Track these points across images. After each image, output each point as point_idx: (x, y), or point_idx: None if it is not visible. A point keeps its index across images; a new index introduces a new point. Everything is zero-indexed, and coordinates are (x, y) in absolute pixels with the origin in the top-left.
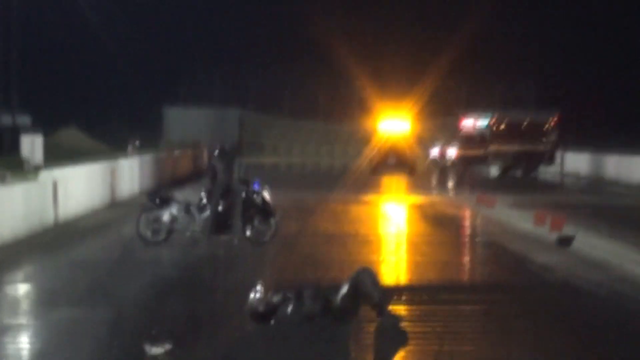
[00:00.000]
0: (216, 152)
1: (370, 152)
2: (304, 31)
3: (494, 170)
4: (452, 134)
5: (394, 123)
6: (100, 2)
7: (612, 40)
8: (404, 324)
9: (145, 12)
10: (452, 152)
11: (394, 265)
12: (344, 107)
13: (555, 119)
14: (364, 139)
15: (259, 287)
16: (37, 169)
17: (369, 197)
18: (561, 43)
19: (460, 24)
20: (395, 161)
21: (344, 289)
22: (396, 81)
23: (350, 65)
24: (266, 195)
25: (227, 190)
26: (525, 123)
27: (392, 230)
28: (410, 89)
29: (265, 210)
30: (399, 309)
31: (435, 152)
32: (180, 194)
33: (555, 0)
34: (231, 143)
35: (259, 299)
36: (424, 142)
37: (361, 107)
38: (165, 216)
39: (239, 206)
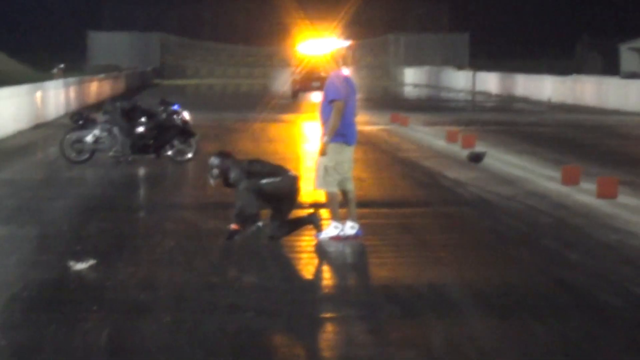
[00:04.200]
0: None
1: (291, 75)
2: None
3: None
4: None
5: (315, 45)
6: None
7: None
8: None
9: None
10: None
11: (310, 181)
12: (264, 30)
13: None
14: (284, 62)
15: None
16: None
17: (287, 117)
18: None
19: None
20: (320, 85)
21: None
22: (317, 3)
23: None
24: (186, 115)
25: (144, 111)
26: None
27: (308, 149)
28: (331, 11)
29: (185, 130)
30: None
31: None
32: (103, 115)
33: None
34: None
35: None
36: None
37: (281, 30)
38: (89, 137)
39: (159, 127)
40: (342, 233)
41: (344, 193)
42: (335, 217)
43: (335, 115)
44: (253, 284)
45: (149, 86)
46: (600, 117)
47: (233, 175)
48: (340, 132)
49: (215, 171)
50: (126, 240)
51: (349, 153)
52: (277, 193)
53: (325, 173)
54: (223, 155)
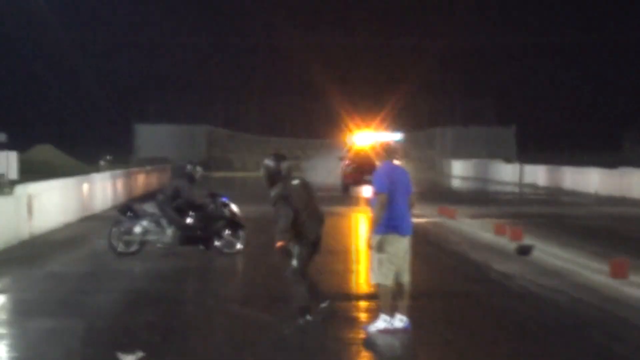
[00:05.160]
0: (179, 172)
1: (342, 168)
2: (270, 50)
3: None
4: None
5: (365, 137)
6: (74, 25)
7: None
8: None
9: (118, 33)
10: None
11: (358, 274)
12: (312, 123)
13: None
14: (334, 154)
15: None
16: (12, 184)
17: (337, 210)
18: (522, 66)
19: (426, 45)
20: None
21: None
22: (365, 97)
23: (319, 81)
24: (234, 207)
25: (192, 204)
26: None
27: (356, 241)
28: (380, 105)
29: (233, 222)
30: (362, 316)
31: None
32: (151, 207)
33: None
34: (195, 162)
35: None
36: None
37: (329, 123)
38: (137, 228)
39: (208, 218)
40: (390, 326)
41: (399, 285)
42: (385, 310)
43: (379, 207)
44: None
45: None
46: None
47: (272, 195)
48: (391, 223)
49: (263, 170)
50: (174, 334)
51: (404, 244)
52: (304, 233)
53: (379, 265)
54: (277, 158)
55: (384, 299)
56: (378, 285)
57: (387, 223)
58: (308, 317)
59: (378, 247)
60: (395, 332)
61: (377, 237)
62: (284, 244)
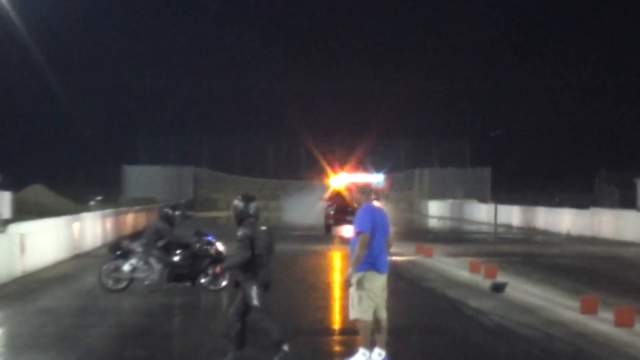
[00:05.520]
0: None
1: (325, 209)
2: (255, 95)
3: None
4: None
5: (346, 179)
6: (66, 68)
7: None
8: None
9: (108, 77)
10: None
11: (338, 309)
12: (292, 165)
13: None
14: (314, 195)
15: None
16: (5, 223)
17: (318, 248)
18: (498, 109)
19: (401, 89)
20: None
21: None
22: (344, 141)
23: (300, 126)
24: (219, 245)
25: (179, 243)
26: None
27: (337, 278)
28: (358, 148)
29: (218, 260)
30: (341, 349)
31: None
32: (139, 246)
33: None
34: (175, 206)
35: None
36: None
37: (310, 165)
38: (126, 266)
39: (194, 256)
40: None
41: (377, 321)
42: (365, 345)
43: (360, 246)
44: None
45: (183, 218)
46: (618, 249)
47: (240, 233)
48: (370, 261)
49: (232, 210)
50: None
51: (381, 281)
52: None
53: (359, 301)
54: (246, 199)
55: (363, 334)
56: (358, 321)
57: (366, 260)
58: (285, 348)
59: (358, 284)
60: None
61: (358, 275)
62: (220, 272)
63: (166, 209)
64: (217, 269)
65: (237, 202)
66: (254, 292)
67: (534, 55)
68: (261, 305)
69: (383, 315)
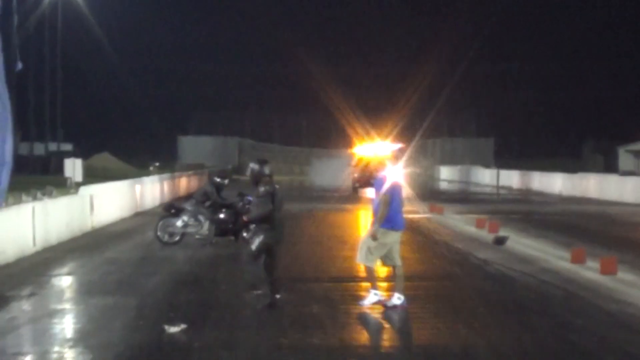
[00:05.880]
0: (210, 180)
1: (352, 173)
2: (290, 73)
3: None
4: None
5: (371, 147)
6: (130, 57)
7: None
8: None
9: (164, 61)
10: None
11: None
12: (325, 134)
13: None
14: (342, 161)
15: None
16: (77, 186)
17: (347, 207)
18: (502, 87)
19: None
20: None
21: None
22: (370, 114)
23: (331, 98)
24: None
25: (223, 203)
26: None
27: (362, 233)
28: (385, 119)
29: None
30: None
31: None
32: (190, 205)
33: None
34: (223, 175)
35: None
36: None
37: (338, 136)
38: (179, 222)
39: (237, 214)
40: (389, 303)
41: (394, 268)
42: (374, 286)
43: (383, 205)
44: (315, 345)
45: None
46: (602, 208)
47: (262, 189)
48: (388, 219)
49: (249, 172)
50: (211, 309)
51: (396, 237)
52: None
53: (367, 251)
54: (261, 162)
55: (369, 276)
56: (366, 267)
57: (386, 219)
58: (256, 293)
59: (372, 237)
60: (394, 307)
61: (380, 230)
62: (247, 221)
63: (217, 179)
64: (244, 218)
65: (253, 165)
66: (258, 239)
67: (530, 38)
68: (256, 252)
69: (399, 262)
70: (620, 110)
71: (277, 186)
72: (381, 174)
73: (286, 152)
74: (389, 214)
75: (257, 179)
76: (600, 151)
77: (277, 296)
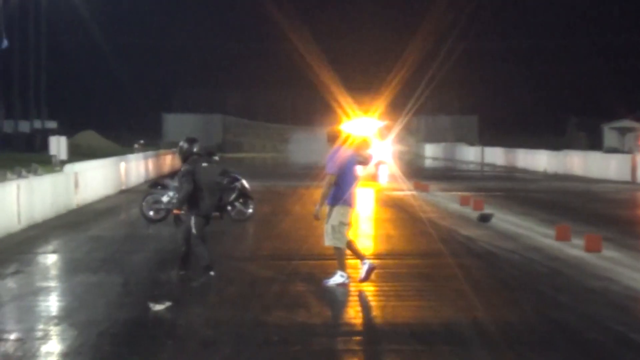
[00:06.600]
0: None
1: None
2: (276, 50)
3: None
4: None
5: (356, 124)
6: (112, 33)
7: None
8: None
9: (147, 37)
10: None
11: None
12: (310, 111)
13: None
14: (321, 138)
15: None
16: (62, 164)
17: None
18: (485, 65)
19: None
20: (360, 159)
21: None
22: (355, 88)
23: (317, 75)
24: (244, 182)
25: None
26: None
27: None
28: (371, 97)
29: (244, 194)
30: (355, 272)
31: None
32: (176, 182)
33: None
34: (213, 150)
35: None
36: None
37: (321, 113)
38: (165, 198)
39: (223, 191)
40: (346, 280)
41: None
42: (341, 268)
43: (326, 185)
44: (299, 323)
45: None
46: (587, 185)
47: (182, 169)
48: (341, 197)
49: (178, 150)
50: (195, 287)
51: (352, 213)
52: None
53: (333, 231)
54: (190, 140)
55: (339, 259)
56: (335, 248)
57: (340, 197)
58: (211, 273)
59: (331, 216)
60: (343, 284)
61: (336, 208)
62: (178, 212)
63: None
64: (174, 211)
65: (182, 143)
66: (192, 221)
67: (514, 14)
68: (198, 233)
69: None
70: (605, 87)
71: (204, 164)
72: (333, 151)
73: (270, 130)
74: (341, 190)
75: (185, 156)
76: (584, 128)
77: (182, 272)
